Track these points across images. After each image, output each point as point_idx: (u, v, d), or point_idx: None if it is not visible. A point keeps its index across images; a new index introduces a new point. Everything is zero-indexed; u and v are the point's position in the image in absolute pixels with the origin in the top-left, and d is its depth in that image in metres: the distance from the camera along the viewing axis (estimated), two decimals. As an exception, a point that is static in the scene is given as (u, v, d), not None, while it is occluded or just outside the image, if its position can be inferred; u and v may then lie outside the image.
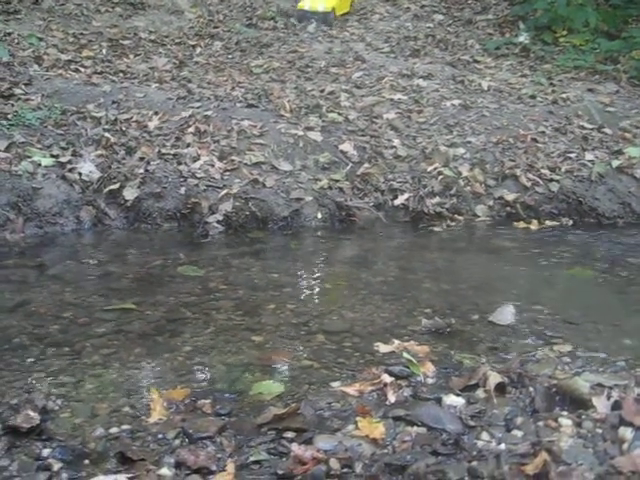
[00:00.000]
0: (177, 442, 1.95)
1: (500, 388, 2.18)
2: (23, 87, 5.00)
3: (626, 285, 3.48)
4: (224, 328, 2.78)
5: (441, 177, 4.69)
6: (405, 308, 3.03)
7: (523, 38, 7.69)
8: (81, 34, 6.81)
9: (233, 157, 4.56)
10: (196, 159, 4.49)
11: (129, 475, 1.78)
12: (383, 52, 7.20)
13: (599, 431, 1.91)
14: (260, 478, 1.80)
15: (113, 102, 5.01)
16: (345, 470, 1.80)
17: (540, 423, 1.97)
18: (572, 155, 5.06)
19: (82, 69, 5.72)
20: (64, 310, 2.92)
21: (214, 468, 1.82)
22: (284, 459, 1.86)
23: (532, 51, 7.49)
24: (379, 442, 1.93)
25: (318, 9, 7.82)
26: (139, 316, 2.88)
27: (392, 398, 2.17)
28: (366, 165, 4.71)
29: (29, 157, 4.24)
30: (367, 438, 1.94)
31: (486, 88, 6.13)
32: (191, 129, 4.80)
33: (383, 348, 2.56)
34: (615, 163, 4.94)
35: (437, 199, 4.57)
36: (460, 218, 4.55)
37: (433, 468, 1.77)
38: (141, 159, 4.42)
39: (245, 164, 4.52)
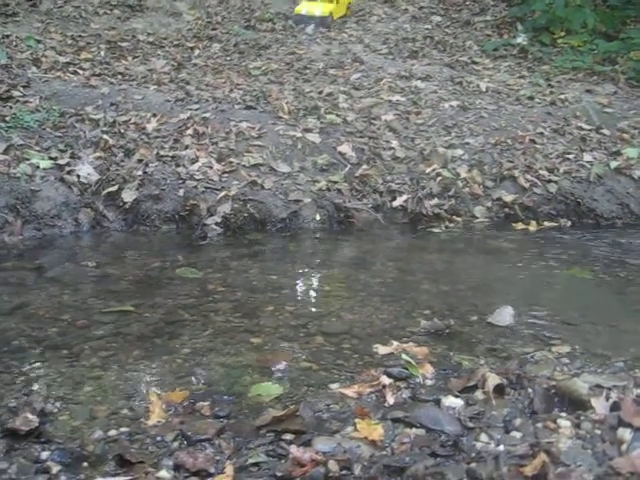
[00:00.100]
0: (176, 444, 1.95)
1: (499, 389, 2.17)
2: (21, 89, 5.00)
3: (625, 286, 3.48)
4: (223, 330, 2.78)
5: (439, 178, 4.69)
6: (404, 309, 3.03)
7: (521, 39, 7.70)
8: (79, 36, 6.81)
9: (231, 159, 4.56)
10: (194, 161, 4.49)
11: (128, 478, 1.78)
12: (381, 54, 7.21)
13: (598, 432, 1.91)
14: (259, 480, 1.80)
15: (111, 104, 5.01)
16: (344, 472, 1.80)
17: (539, 424, 1.97)
18: (570, 156, 5.07)
19: (80, 71, 5.72)
20: (62, 312, 2.92)
21: (213, 470, 1.82)
22: (283, 461, 1.86)
23: (530, 52, 7.50)
24: (378, 444, 1.93)
25: (315, 14, 7.82)
26: (138, 318, 2.88)
27: (391, 400, 2.17)
28: (364, 167, 4.71)
29: (27, 159, 4.24)
30: (366, 440, 1.94)
31: (484, 89, 6.14)
32: (189, 131, 4.80)
33: (382, 350, 2.56)
34: (613, 164, 4.95)
35: (435, 200, 4.57)
36: (458, 219, 4.56)
37: (432, 470, 1.77)
38: (139, 161, 4.42)
39: (243, 166, 4.52)
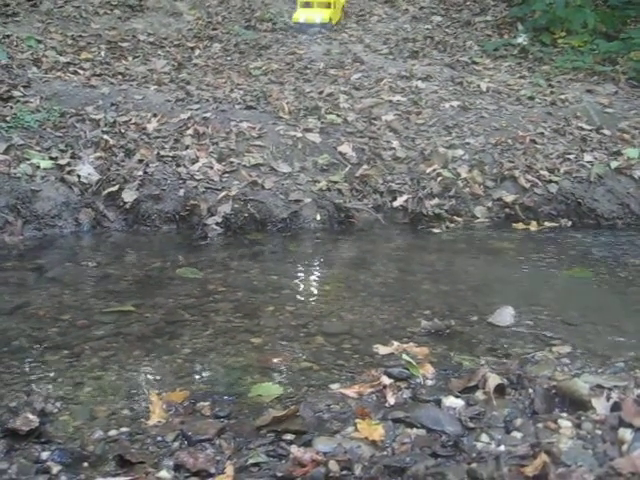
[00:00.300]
0: (176, 444, 1.95)
1: (499, 390, 2.17)
2: (22, 89, 5.01)
3: (625, 286, 3.48)
4: (223, 330, 2.78)
5: (440, 178, 4.69)
6: (404, 310, 3.03)
7: (522, 39, 7.70)
8: (80, 36, 6.81)
9: (232, 159, 4.57)
10: (195, 161, 4.49)
11: (128, 478, 1.78)
12: (382, 54, 7.21)
13: (599, 432, 1.91)
14: (259, 480, 1.80)
15: (112, 104, 5.02)
16: (344, 472, 1.80)
17: (539, 425, 1.97)
18: (571, 156, 5.06)
19: (81, 71, 5.72)
20: (63, 312, 2.92)
21: (213, 471, 1.82)
22: (283, 461, 1.86)
23: (531, 52, 7.50)
24: (378, 444, 1.93)
25: (316, 21, 7.65)
26: (138, 318, 2.88)
27: (391, 400, 2.17)
28: (365, 167, 4.71)
29: (28, 159, 4.25)
30: (366, 440, 1.94)
31: (485, 89, 6.14)
32: (190, 131, 4.81)
33: (382, 350, 2.56)
34: (614, 164, 4.94)
35: (436, 200, 4.57)
36: (459, 219, 4.56)
37: (432, 470, 1.77)
38: (140, 161, 4.42)
39: (244, 166, 4.52)
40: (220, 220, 4.16)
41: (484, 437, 1.94)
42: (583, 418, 1.98)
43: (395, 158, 4.85)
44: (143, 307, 3.00)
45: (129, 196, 4.19)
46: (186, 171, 4.38)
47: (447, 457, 1.86)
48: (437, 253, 4.10)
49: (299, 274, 3.69)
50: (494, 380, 2.19)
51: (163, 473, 1.81)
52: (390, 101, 5.66)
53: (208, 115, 5.01)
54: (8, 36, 6.30)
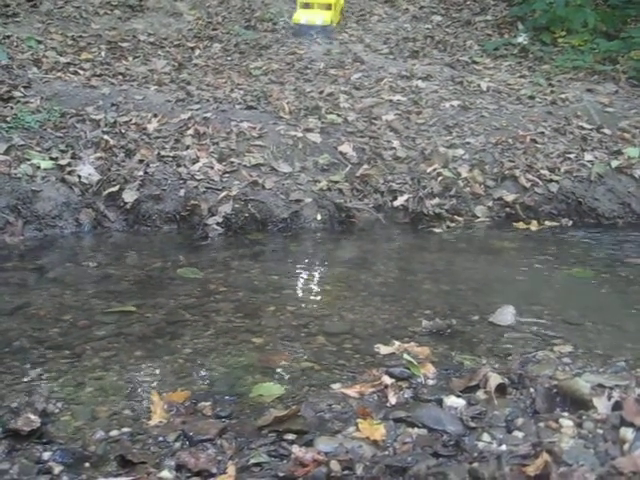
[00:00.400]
0: (177, 445, 1.95)
1: (501, 389, 2.18)
2: (22, 90, 5.01)
3: (626, 285, 3.48)
4: (224, 330, 2.78)
5: (440, 178, 4.69)
6: (405, 309, 3.03)
7: (522, 39, 7.70)
8: (80, 37, 6.81)
9: (232, 159, 4.57)
10: (195, 161, 4.49)
11: (130, 478, 1.78)
12: (382, 53, 7.21)
13: (600, 432, 1.91)
14: (261, 480, 1.80)
15: (112, 104, 5.02)
16: (346, 472, 1.80)
17: (541, 424, 1.97)
18: (571, 155, 5.06)
19: (81, 72, 5.72)
20: (64, 313, 2.92)
21: (215, 471, 1.82)
22: (285, 461, 1.86)
23: (531, 52, 7.50)
24: (380, 444, 1.93)
25: (317, 23, 7.48)
26: (139, 319, 2.88)
27: (393, 400, 2.17)
28: (365, 166, 4.71)
29: (28, 160, 4.25)
30: (368, 440, 1.94)
31: (485, 89, 6.14)
32: (190, 131, 4.81)
33: (383, 349, 2.56)
34: (614, 163, 4.94)
35: (436, 200, 4.57)
36: (460, 219, 4.55)
37: (434, 470, 1.77)
38: (140, 161, 4.42)
39: (244, 166, 4.52)
40: (221, 220, 4.16)
41: (485, 437, 1.94)
42: (584, 417, 1.98)
43: (396, 158, 4.85)
44: (144, 307, 3.00)
45: (130, 196, 4.19)
46: (187, 171, 4.38)
47: (448, 457, 1.86)
48: (438, 253, 4.10)
49: (300, 274, 3.69)
50: (495, 379, 2.20)
51: (165, 473, 1.81)
52: (390, 101, 5.66)
53: (208, 115, 5.01)
54: (8, 36, 6.30)
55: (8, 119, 4.54)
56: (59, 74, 5.53)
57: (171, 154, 4.52)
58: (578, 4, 7.78)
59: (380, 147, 4.91)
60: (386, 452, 1.90)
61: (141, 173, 4.30)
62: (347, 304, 3.10)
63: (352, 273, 3.65)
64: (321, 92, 5.73)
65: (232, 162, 4.53)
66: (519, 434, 1.94)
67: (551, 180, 4.79)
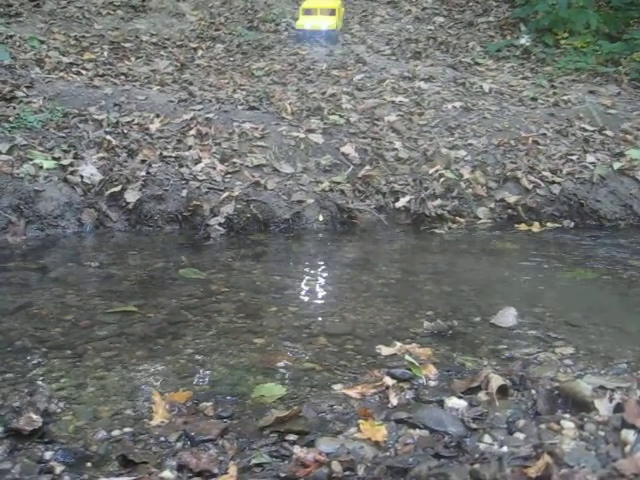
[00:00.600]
0: (179, 445, 1.95)
1: (502, 391, 2.17)
2: (25, 90, 5.02)
3: (628, 287, 3.48)
4: (226, 331, 2.78)
5: (442, 179, 4.69)
6: (407, 310, 3.03)
7: (524, 40, 7.71)
8: (82, 37, 6.83)
9: (234, 159, 4.57)
10: (197, 161, 4.50)
11: (131, 478, 1.78)
12: (384, 54, 7.22)
13: (601, 434, 1.91)
14: (262, 481, 1.80)
15: (115, 105, 5.03)
16: (347, 473, 1.80)
17: (542, 426, 1.97)
18: (573, 157, 5.07)
19: (84, 72, 5.73)
20: (66, 313, 2.92)
21: (216, 471, 1.82)
22: (286, 462, 1.86)
23: (533, 53, 7.51)
24: (381, 445, 1.93)
25: (322, 28, 7.38)
26: (141, 319, 2.88)
27: (394, 401, 2.17)
28: (367, 167, 4.71)
29: (31, 160, 4.25)
30: (369, 441, 1.94)
31: (487, 90, 6.14)
32: (192, 131, 4.81)
33: (385, 351, 2.56)
34: (616, 165, 4.94)
35: (438, 201, 4.58)
36: (461, 220, 4.56)
37: (435, 471, 1.77)
38: (143, 162, 4.42)
39: (246, 166, 4.52)
40: (223, 220, 4.16)
41: (487, 438, 1.94)
42: (586, 419, 1.98)
43: (398, 159, 4.85)
44: (146, 307, 3.00)
45: (132, 196, 4.19)
46: (189, 171, 4.39)
47: (450, 458, 1.86)
48: (440, 254, 4.10)
49: (302, 275, 3.69)
50: (497, 381, 2.19)
51: (166, 473, 1.81)
52: (393, 102, 5.67)
53: (211, 116, 5.02)
54: (11, 36, 6.32)
55: (11, 119, 4.55)
56: (62, 74, 5.54)
57: (173, 154, 4.53)
58: (581, 6, 7.79)
59: (382, 148, 4.92)
60: (387, 453, 1.90)
61: (143, 173, 4.30)
62: (349, 305, 3.10)
63: (354, 274, 3.66)
64: (323, 93, 5.74)
65: (234, 163, 4.54)
66: (520, 435, 1.94)
67: (553, 182, 4.79)
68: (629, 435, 1.86)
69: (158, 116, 4.95)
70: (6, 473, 1.81)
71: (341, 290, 3.44)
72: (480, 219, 4.60)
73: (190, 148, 4.63)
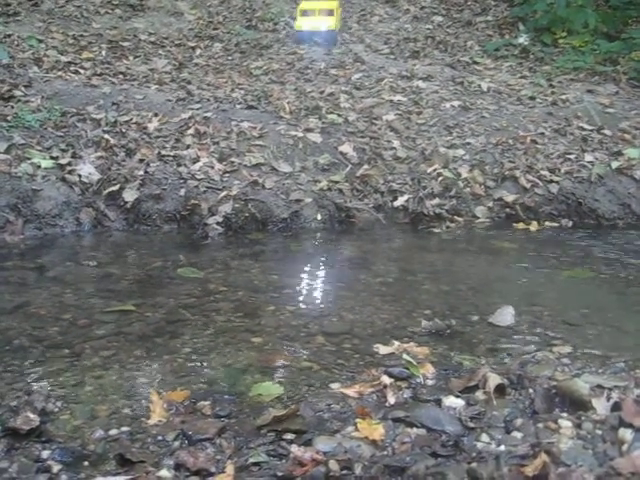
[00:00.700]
0: (177, 444, 1.95)
1: (500, 389, 2.17)
2: (23, 89, 5.01)
3: (626, 286, 3.48)
4: (224, 330, 2.78)
5: (441, 178, 4.69)
6: (405, 309, 3.03)
7: (522, 39, 7.71)
8: (81, 36, 6.82)
9: (233, 159, 4.57)
10: (196, 161, 4.50)
11: (128, 477, 1.78)
12: (382, 53, 7.22)
13: (599, 432, 1.91)
14: (259, 480, 1.80)
15: (113, 104, 5.02)
16: (344, 472, 1.80)
17: (540, 425, 1.97)
18: (571, 156, 5.07)
19: (82, 71, 5.73)
20: (64, 312, 2.92)
21: (213, 470, 1.82)
22: (283, 461, 1.86)
23: (532, 52, 7.51)
24: (379, 444, 1.93)
25: (321, 28, 7.30)
26: (139, 318, 2.88)
27: (392, 400, 2.17)
28: (366, 166, 4.71)
29: (29, 159, 4.25)
30: (367, 440, 1.94)
31: (485, 89, 6.14)
32: (191, 131, 4.81)
33: (383, 349, 2.56)
34: (615, 164, 4.94)
35: (437, 200, 4.57)
36: (460, 219, 4.56)
37: (432, 470, 1.77)
38: (141, 161, 4.42)
39: (245, 165, 4.52)
40: (221, 220, 4.16)
41: (484, 437, 1.94)
42: (583, 418, 1.98)
43: (396, 158, 4.85)
44: (144, 306, 3.00)
45: (130, 195, 4.19)
46: (187, 171, 4.39)
47: (447, 457, 1.86)
48: (438, 253, 4.10)
49: (300, 274, 3.69)
50: (494, 380, 2.19)
51: (163, 472, 1.81)
52: (391, 101, 5.66)
53: (209, 115, 5.02)
54: (9, 35, 6.31)
55: (9, 118, 4.55)
56: (60, 73, 5.54)
57: (171, 153, 4.52)
58: (579, 5, 7.80)
59: (380, 147, 4.92)
60: (385, 452, 1.90)
61: (141, 172, 4.30)
62: (347, 304, 3.10)
63: (352, 273, 3.66)
64: (322, 92, 5.74)
65: (232, 162, 4.54)
66: (518, 434, 1.94)
67: (551, 181, 4.79)
68: (626, 434, 1.86)
69: (156, 115, 4.95)
70: (3, 472, 1.80)
71: (339, 289, 3.44)
72: (478, 218, 4.61)
73: (188, 147, 4.63)
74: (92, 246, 3.97)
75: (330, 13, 7.40)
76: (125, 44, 6.80)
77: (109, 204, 4.21)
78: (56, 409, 2.12)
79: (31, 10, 7.25)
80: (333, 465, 1.80)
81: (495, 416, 2.05)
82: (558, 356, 2.52)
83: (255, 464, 1.85)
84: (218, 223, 4.15)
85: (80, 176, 4.22)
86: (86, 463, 1.87)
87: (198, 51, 6.96)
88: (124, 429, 2.02)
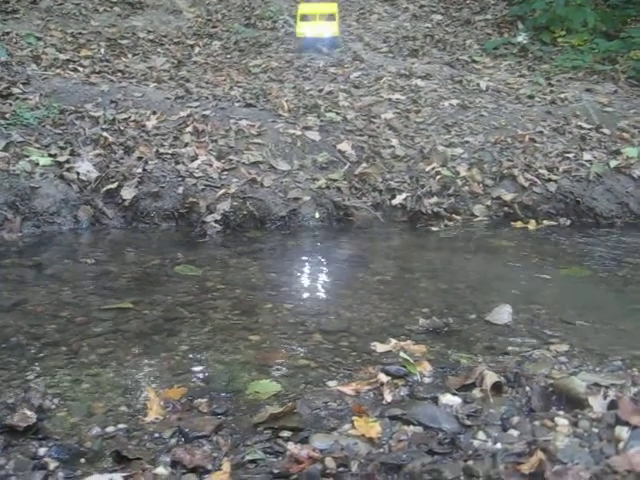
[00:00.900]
0: (173, 441, 1.95)
1: (497, 387, 2.18)
2: (21, 86, 5.01)
3: (623, 284, 3.48)
4: (221, 327, 2.78)
5: (439, 177, 4.70)
6: (402, 307, 3.03)
7: (521, 38, 7.71)
8: (79, 33, 6.82)
9: (231, 157, 4.57)
10: (194, 159, 4.49)
11: (125, 474, 1.78)
12: (381, 52, 7.21)
13: (595, 430, 1.91)
14: (256, 477, 1.80)
15: (111, 102, 5.02)
16: (341, 469, 1.80)
17: (536, 422, 1.97)
18: (570, 155, 5.06)
19: (80, 68, 5.73)
20: (61, 309, 2.92)
21: (210, 467, 1.82)
22: (280, 458, 1.86)
23: (530, 51, 7.50)
24: (375, 441, 1.93)
25: (324, 35, 6.99)
26: (136, 315, 2.88)
27: (388, 397, 2.17)
28: (364, 165, 4.71)
29: (27, 156, 4.25)
30: (363, 437, 1.94)
31: (484, 88, 6.14)
32: (189, 128, 4.81)
33: (380, 347, 2.56)
34: (613, 163, 4.94)
35: (435, 199, 4.57)
36: (458, 218, 4.56)
37: (429, 467, 1.78)
38: (139, 158, 4.42)
39: (243, 163, 4.52)
40: (219, 218, 4.16)
41: (481, 435, 1.94)
42: (580, 416, 1.98)
43: (394, 156, 4.85)
44: (141, 304, 3.00)
45: (128, 193, 4.19)
46: (185, 168, 4.39)
47: (444, 454, 1.86)
48: (435, 251, 4.11)
49: (297, 272, 3.69)
50: (491, 378, 2.20)
51: (160, 469, 1.81)
52: (389, 99, 5.66)
53: (207, 113, 5.02)
54: (7, 33, 6.31)
55: (7, 116, 4.55)
56: (58, 71, 5.54)
57: (170, 151, 4.52)
58: (578, 4, 7.80)
59: (379, 146, 4.92)
60: (381, 449, 1.90)
61: (140, 170, 4.30)
62: (344, 302, 3.10)
63: (350, 271, 3.66)
64: (320, 90, 5.73)
65: (231, 160, 4.54)
66: (514, 432, 1.94)
67: (550, 179, 4.79)
68: (623, 432, 1.86)
69: (155, 113, 4.95)
70: (0, 469, 1.81)
71: (337, 287, 3.44)
72: (476, 217, 4.60)
73: (186, 145, 4.63)
74: (90, 244, 3.97)
75: (331, 18, 7.09)
76: (124, 42, 6.80)
77: (107, 202, 4.21)
78: (53, 406, 2.12)
79: (30, 8, 7.24)
80: (329, 462, 1.80)
81: (492, 414, 2.05)
82: (555, 354, 2.52)
83: (251, 461, 1.85)
84: (216, 221, 4.15)
85: (78, 174, 4.22)
86: (83, 460, 1.87)
87: (197, 49, 6.96)
88: (121, 426, 2.02)
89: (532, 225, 4.52)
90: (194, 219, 4.18)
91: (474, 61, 7.13)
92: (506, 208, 4.66)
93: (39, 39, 6.35)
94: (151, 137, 4.67)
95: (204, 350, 2.56)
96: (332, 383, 2.30)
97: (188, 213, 4.19)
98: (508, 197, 4.67)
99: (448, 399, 2.14)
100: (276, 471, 1.80)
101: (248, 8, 8.18)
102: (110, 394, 2.22)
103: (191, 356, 2.51)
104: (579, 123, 5.54)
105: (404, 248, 4.19)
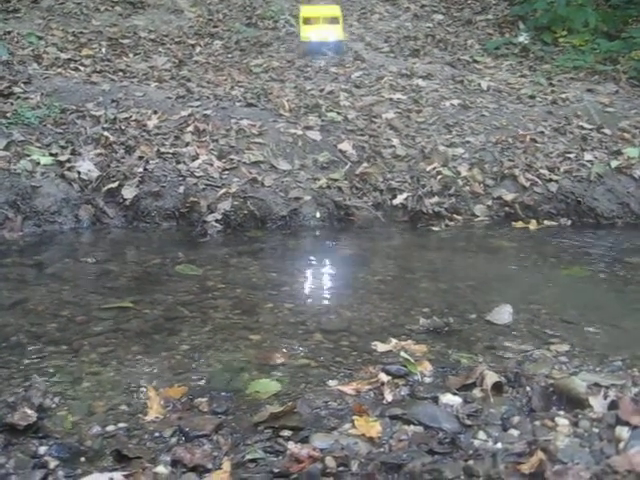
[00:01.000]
0: (173, 440, 1.95)
1: (497, 387, 2.18)
2: (22, 86, 5.01)
3: (624, 284, 3.48)
4: (222, 327, 2.78)
5: (440, 177, 4.69)
6: (403, 307, 3.03)
7: (523, 38, 7.70)
8: (80, 33, 6.82)
9: (232, 156, 4.57)
10: (195, 158, 4.49)
11: (125, 473, 1.78)
12: (383, 52, 7.20)
13: (596, 430, 1.91)
14: (256, 476, 1.80)
15: (112, 101, 5.02)
16: (341, 468, 1.80)
17: (537, 422, 1.97)
18: (571, 155, 5.06)
19: (81, 68, 5.73)
20: (62, 308, 2.92)
21: (210, 466, 1.82)
22: (280, 457, 1.86)
23: (532, 51, 7.50)
24: (375, 441, 1.94)
25: (329, 39, 6.76)
26: (137, 314, 2.88)
27: (389, 397, 2.18)
28: (365, 164, 4.71)
29: (28, 156, 4.25)
30: (363, 437, 1.95)
31: (485, 88, 6.13)
32: (190, 128, 4.81)
33: (381, 347, 2.56)
34: (614, 163, 4.94)
35: (436, 199, 4.57)
36: (459, 218, 4.55)
37: (429, 467, 1.78)
38: (140, 158, 4.42)
39: (244, 163, 4.52)
40: (220, 217, 4.16)
41: (481, 434, 1.95)
42: (580, 416, 1.98)
43: (395, 156, 4.85)
44: (142, 303, 3.00)
45: (129, 193, 4.19)
46: (186, 168, 4.39)
47: (444, 454, 1.86)
48: (436, 251, 4.11)
49: (298, 271, 3.69)
50: (492, 378, 2.20)
51: (160, 468, 1.81)
52: (391, 99, 5.66)
53: (208, 112, 5.02)
54: (9, 32, 6.31)
55: (8, 115, 4.55)
56: (59, 70, 5.54)
57: (171, 151, 4.52)
58: (579, 4, 7.79)
59: (380, 145, 4.91)
60: (382, 449, 1.90)
61: (141, 170, 4.30)
62: (345, 301, 3.10)
63: (350, 271, 3.66)
64: (321, 90, 5.73)
65: (232, 159, 4.54)
66: (515, 432, 1.94)
67: (550, 180, 4.79)
68: (623, 432, 1.87)
69: (156, 112, 4.95)
70: (0, 468, 1.81)
71: (337, 287, 3.44)
72: (477, 217, 4.60)
73: (187, 145, 4.63)
74: (91, 243, 3.97)
75: (335, 21, 6.87)
76: (125, 41, 6.80)
77: (108, 201, 4.21)
78: (53, 405, 2.12)
79: (31, 7, 7.25)
80: (330, 462, 1.80)
81: (492, 414, 2.05)
82: (555, 354, 2.53)
83: (252, 460, 1.85)
84: (217, 220, 4.15)
85: (79, 173, 4.22)
86: (83, 459, 1.87)
87: (198, 49, 6.95)
88: (121, 425, 2.03)
89: (533, 225, 4.52)
90: (195, 218, 4.18)
91: (475, 61, 7.12)
92: (507, 208, 4.65)
93: (40, 38, 6.35)
94: (152, 136, 4.67)
95: (204, 349, 2.56)
96: (332, 382, 2.30)
97: (189, 212, 4.19)
98: (509, 197, 4.67)
99: (448, 399, 2.14)
100: (276, 470, 1.80)
101: (249, 8, 8.18)
102: (110, 393, 2.22)
103: (191, 355, 2.51)
104: (580, 123, 5.53)
105: (405, 248, 4.19)
